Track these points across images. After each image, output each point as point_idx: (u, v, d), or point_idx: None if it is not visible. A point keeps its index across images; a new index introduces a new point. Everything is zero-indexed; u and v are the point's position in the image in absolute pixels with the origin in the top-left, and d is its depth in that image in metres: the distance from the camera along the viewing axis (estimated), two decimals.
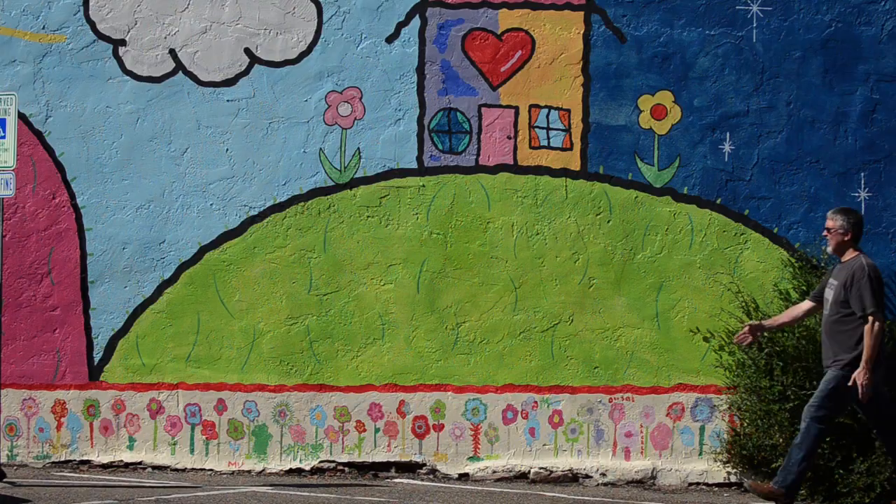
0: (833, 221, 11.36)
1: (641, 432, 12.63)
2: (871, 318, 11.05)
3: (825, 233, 11.40)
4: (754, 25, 12.75)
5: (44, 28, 12.96)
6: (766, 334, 12.08)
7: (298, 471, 12.70)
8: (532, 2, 12.83)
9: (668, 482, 12.57)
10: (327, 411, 12.74)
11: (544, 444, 12.68)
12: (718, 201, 12.72)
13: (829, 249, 11.42)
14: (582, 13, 12.82)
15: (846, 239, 11.30)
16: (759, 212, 12.72)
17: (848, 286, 11.12)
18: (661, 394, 12.63)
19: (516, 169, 12.82)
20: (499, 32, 12.85)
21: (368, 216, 12.82)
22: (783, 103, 12.74)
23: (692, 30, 12.77)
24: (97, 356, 12.81)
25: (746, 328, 11.43)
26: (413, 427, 12.70)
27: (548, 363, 12.69)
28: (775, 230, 12.69)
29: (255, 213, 12.87)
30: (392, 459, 12.67)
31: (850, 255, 11.29)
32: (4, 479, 11.66)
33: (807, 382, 11.84)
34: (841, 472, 11.73)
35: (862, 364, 11.01)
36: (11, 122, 11.82)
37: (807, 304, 11.52)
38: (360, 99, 12.86)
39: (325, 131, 12.88)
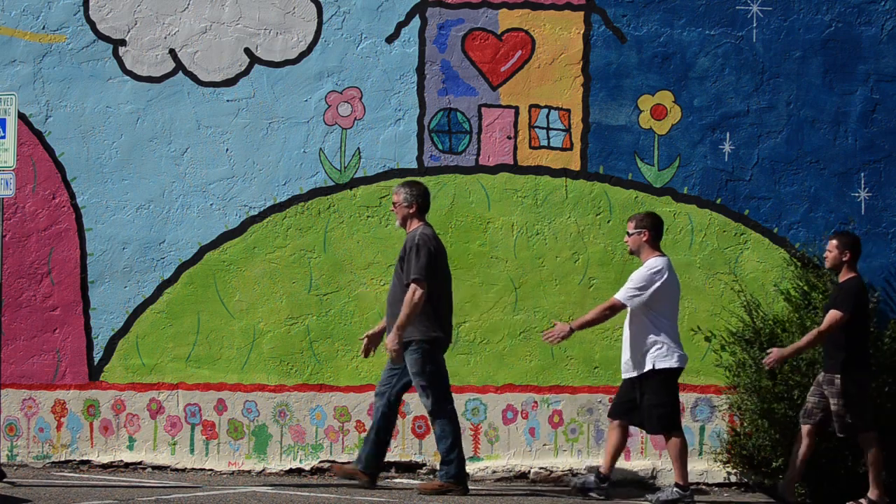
0: (397, 196, 11.74)
1: (641, 432, 12.62)
2: (412, 286, 11.39)
3: (392, 208, 11.82)
4: (754, 25, 12.76)
5: (44, 28, 12.96)
6: (764, 336, 12.12)
7: (298, 471, 12.70)
8: (532, 2, 12.83)
9: (668, 482, 12.55)
10: (327, 411, 12.74)
11: (544, 444, 12.68)
12: (718, 201, 12.72)
13: (397, 224, 11.81)
14: (582, 13, 12.82)
15: (411, 211, 11.65)
16: (759, 212, 12.72)
17: (402, 257, 11.51)
18: None
19: (516, 169, 12.82)
20: (499, 32, 12.85)
21: (368, 216, 12.82)
22: (783, 103, 12.74)
23: (692, 30, 12.77)
24: (97, 356, 12.82)
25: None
26: (413, 427, 12.70)
27: (548, 363, 12.70)
28: (775, 230, 12.70)
29: (255, 213, 12.87)
30: (392, 459, 12.65)
31: (413, 225, 11.64)
32: (4, 479, 11.65)
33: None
34: (842, 471, 11.73)
35: (394, 328, 11.42)
36: (11, 122, 11.81)
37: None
38: (360, 99, 12.86)
39: (325, 131, 12.88)
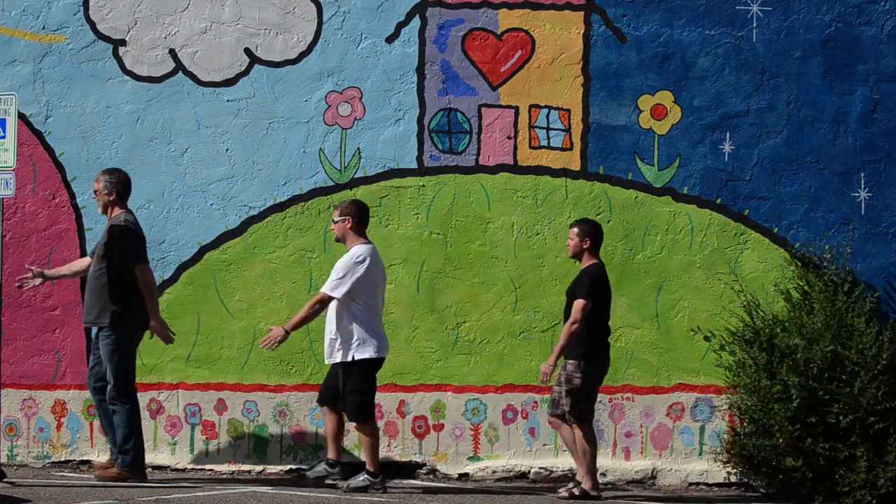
0: (98, 183, 12.03)
1: (641, 432, 12.64)
2: (140, 268, 11.81)
3: (94, 196, 12.12)
4: (754, 25, 12.76)
5: (44, 28, 12.96)
6: (764, 336, 12.13)
7: (298, 471, 12.69)
8: (532, 2, 12.83)
9: (668, 482, 12.57)
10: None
11: (544, 444, 12.68)
12: (718, 201, 12.72)
13: (99, 211, 12.09)
14: (582, 13, 12.82)
15: (111, 199, 11.93)
16: (759, 212, 12.72)
17: (106, 243, 11.75)
18: (661, 394, 12.63)
19: (516, 169, 12.82)
20: (499, 32, 12.85)
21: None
22: (783, 103, 12.75)
23: (692, 30, 12.78)
24: None
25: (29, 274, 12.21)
26: (413, 427, 12.70)
27: None
28: (775, 230, 12.70)
29: (255, 213, 12.87)
30: (392, 459, 12.66)
31: (115, 212, 11.91)
32: (4, 479, 11.65)
33: (809, 382, 11.87)
34: (842, 471, 11.74)
35: (152, 315, 11.84)
36: (11, 122, 11.80)
37: (87, 260, 12.15)
38: (360, 99, 12.86)
39: (325, 131, 12.87)
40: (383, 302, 11.91)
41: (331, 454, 11.88)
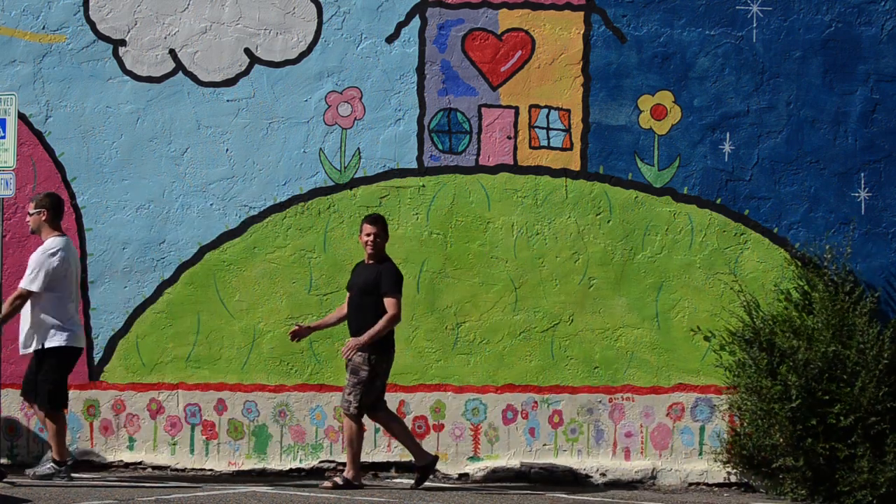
0: None
1: (641, 432, 12.64)
2: None
3: None
4: (754, 25, 12.76)
5: (44, 28, 12.96)
6: (764, 336, 12.13)
7: (298, 471, 12.69)
8: (532, 2, 12.83)
9: (668, 482, 12.57)
10: (327, 411, 12.73)
11: (544, 444, 12.68)
12: (718, 201, 12.72)
13: None
14: (582, 13, 12.82)
15: None
16: (759, 212, 12.72)
17: None
18: (661, 394, 12.63)
19: (516, 169, 12.82)
20: (499, 32, 12.85)
21: None
22: (783, 103, 12.75)
23: (692, 30, 12.78)
24: (97, 356, 12.81)
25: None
26: (413, 427, 12.69)
27: (548, 363, 12.70)
28: (775, 230, 12.70)
29: (255, 213, 12.86)
30: (392, 459, 12.67)
31: None
32: (4, 479, 11.65)
33: (810, 382, 11.87)
34: (842, 471, 11.74)
35: None
36: (11, 122, 11.81)
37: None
38: (360, 99, 12.86)
39: (325, 131, 12.87)
40: (78, 292, 12.09)
41: (56, 454, 11.94)
